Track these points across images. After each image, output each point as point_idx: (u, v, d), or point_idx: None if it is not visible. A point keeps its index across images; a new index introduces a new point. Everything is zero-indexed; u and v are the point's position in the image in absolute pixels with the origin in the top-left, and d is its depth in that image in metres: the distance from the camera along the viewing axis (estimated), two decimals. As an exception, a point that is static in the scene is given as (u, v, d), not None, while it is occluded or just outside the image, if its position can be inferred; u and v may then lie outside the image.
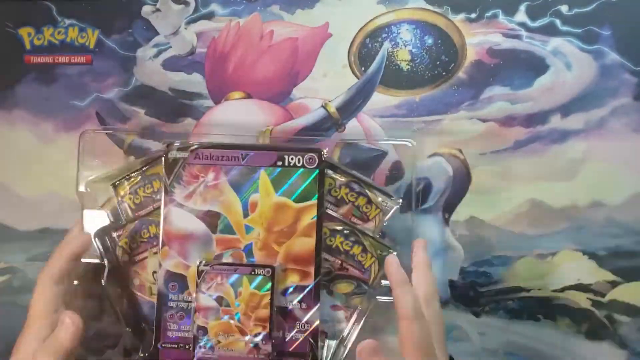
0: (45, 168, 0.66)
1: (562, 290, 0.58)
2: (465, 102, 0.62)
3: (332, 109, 0.62)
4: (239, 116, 0.64)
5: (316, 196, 0.54)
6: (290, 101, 0.64)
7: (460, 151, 0.61)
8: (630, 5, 0.60)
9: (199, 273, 0.53)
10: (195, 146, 0.55)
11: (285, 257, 0.54)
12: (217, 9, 0.66)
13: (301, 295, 0.53)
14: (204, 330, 0.53)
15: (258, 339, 0.53)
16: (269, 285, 0.52)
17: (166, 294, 0.55)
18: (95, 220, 0.59)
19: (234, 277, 0.53)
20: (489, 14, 0.62)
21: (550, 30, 0.61)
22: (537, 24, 0.61)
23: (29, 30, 0.68)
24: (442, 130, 0.61)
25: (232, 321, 0.53)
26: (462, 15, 0.62)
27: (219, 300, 0.53)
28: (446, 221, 0.61)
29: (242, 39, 0.65)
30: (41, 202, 0.66)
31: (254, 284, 0.53)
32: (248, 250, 0.54)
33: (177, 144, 0.55)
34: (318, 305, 0.53)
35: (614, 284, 0.58)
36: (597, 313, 0.58)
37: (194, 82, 0.66)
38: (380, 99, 0.63)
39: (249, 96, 0.65)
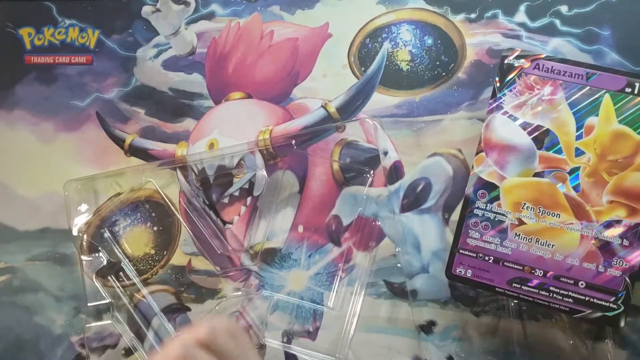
0: (45, 168, 0.66)
1: (562, 290, 0.58)
2: (465, 102, 0.62)
3: (332, 109, 0.62)
4: (239, 116, 0.64)
5: None
6: (290, 101, 0.64)
7: (460, 151, 0.61)
8: (630, 5, 0.60)
9: None
10: (538, 55, 0.53)
11: (615, 189, 0.51)
12: (218, 9, 0.66)
13: (625, 232, 0.51)
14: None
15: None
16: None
17: (474, 200, 0.54)
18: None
19: None
20: (488, 14, 0.62)
21: (550, 31, 0.61)
22: (536, 24, 0.61)
23: (29, 30, 0.68)
24: (442, 130, 0.61)
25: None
26: (461, 16, 0.62)
27: None
28: (446, 221, 0.60)
29: (242, 39, 0.66)
30: (41, 202, 0.66)
31: None
32: (574, 174, 0.52)
33: (517, 53, 0.54)
34: None
35: (614, 284, 0.58)
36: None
37: (194, 82, 0.66)
38: (380, 99, 0.63)
39: (249, 96, 0.65)
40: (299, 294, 0.61)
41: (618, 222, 0.51)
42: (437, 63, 0.62)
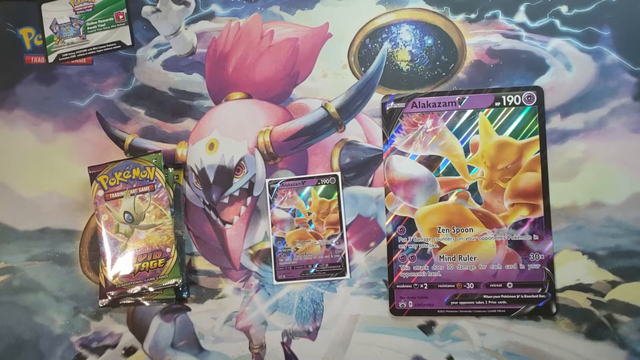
0: (45, 168, 0.66)
1: (562, 290, 0.58)
2: (465, 102, 0.62)
3: (332, 109, 0.62)
4: (239, 116, 0.64)
5: (538, 131, 0.57)
6: (290, 101, 0.64)
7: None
8: (630, 5, 0.60)
9: (270, 190, 0.59)
10: (411, 95, 0.59)
11: (512, 193, 0.57)
12: (218, 9, 0.66)
13: (533, 227, 0.57)
14: (281, 239, 0.59)
15: (333, 241, 0.59)
16: (336, 193, 0.59)
17: (396, 237, 0.59)
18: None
19: (304, 189, 0.58)
20: (488, 14, 0.62)
21: (550, 31, 0.61)
22: (536, 24, 0.61)
23: (29, 30, 0.68)
24: (442, 131, 0.62)
25: (306, 229, 0.59)
26: (461, 16, 0.62)
27: (292, 212, 0.58)
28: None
29: (242, 39, 0.66)
30: (41, 202, 0.66)
31: (322, 193, 0.59)
32: (474, 189, 0.57)
33: (393, 95, 0.59)
34: (550, 235, 0.56)
35: (613, 284, 0.58)
36: (597, 313, 0.58)
37: (194, 82, 0.66)
38: (380, 99, 0.63)
39: (249, 96, 0.65)
40: (299, 294, 0.62)
41: (524, 220, 0.57)
42: (437, 63, 0.62)
